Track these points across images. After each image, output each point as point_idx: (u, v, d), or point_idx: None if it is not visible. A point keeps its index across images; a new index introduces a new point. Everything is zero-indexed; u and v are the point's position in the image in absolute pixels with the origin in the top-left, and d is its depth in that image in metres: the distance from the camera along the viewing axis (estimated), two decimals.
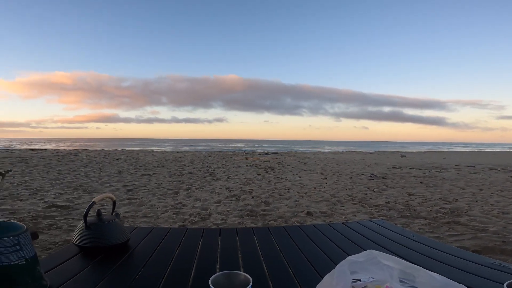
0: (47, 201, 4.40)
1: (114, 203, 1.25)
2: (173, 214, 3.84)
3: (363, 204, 4.51)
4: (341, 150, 31.35)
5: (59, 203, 4.23)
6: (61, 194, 4.96)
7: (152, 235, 1.31)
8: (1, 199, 4.41)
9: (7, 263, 0.79)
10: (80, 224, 1.10)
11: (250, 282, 0.62)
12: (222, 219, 3.62)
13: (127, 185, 5.93)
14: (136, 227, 1.40)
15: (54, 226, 3.21)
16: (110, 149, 22.03)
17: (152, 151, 20.12)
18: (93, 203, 1.07)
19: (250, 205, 4.36)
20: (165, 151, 20.82)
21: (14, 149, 19.80)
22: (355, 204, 4.55)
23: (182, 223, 3.45)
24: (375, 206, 4.39)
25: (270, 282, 0.85)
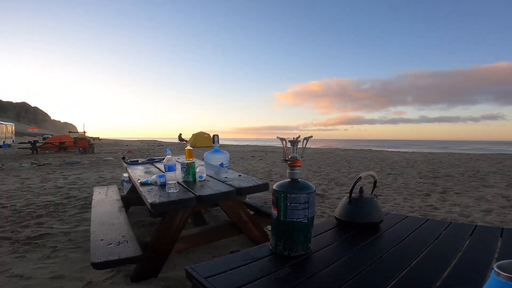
0: None
1: (375, 183, 1.33)
2: (420, 215, 3.45)
3: None
4: None
5: (318, 192, 5.10)
6: (320, 184, 5.93)
7: (405, 222, 1.27)
8: None
9: (295, 219, 0.97)
10: (344, 199, 1.28)
11: None
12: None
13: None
14: (388, 213, 1.42)
15: None
16: (357, 148, 23.37)
17: (399, 152, 19.08)
18: (359, 178, 1.21)
19: None
20: (413, 152, 19.04)
21: (280, 147, 26.19)
22: None
23: None
24: None
25: None
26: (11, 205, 3.85)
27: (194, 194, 1.73)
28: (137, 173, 2.59)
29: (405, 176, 6.89)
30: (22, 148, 17.85)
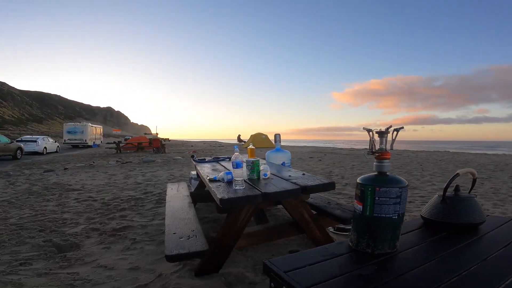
0: None
1: (474, 181, 1.18)
2: None
3: None
4: None
5: None
6: None
7: (511, 225, 1.08)
8: (344, 186, 5.68)
9: (384, 215, 0.90)
10: (435, 197, 1.15)
11: None
12: None
13: (453, 186, 5.35)
14: (488, 215, 1.22)
15: None
16: (430, 150, 21.04)
17: (485, 154, 16.56)
18: (457, 175, 1.08)
19: None
20: (503, 154, 16.33)
21: (351, 148, 24.88)
22: None
23: None
24: None
25: None
26: (100, 199, 4.45)
27: (260, 191, 1.75)
28: (205, 170, 2.74)
29: (494, 181, 5.93)
30: (109, 148, 20.59)
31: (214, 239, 1.93)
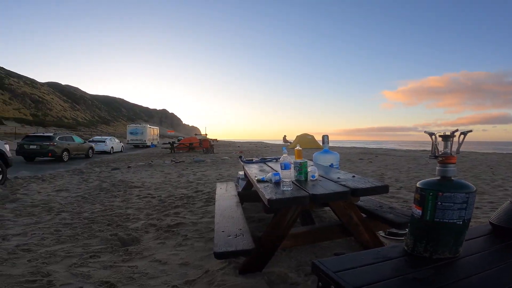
0: None
1: None
2: None
3: None
4: None
5: None
6: None
7: None
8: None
9: (447, 220, 0.87)
10: (507, 203, 1.07)
11: None
12: None
13: None
14: None
15: None
16: (503, 152, 18.53)
17: None
18: None
19: None
20: None
21: (406, 149, 23.11)
22: None
23: None
24: None
25: None
26: (157, 196, 4.82)
27: (308, 192, 1.74)
28: (253, 170, 2.80)
29: None
30: (164, 148, 22.17)
31: (259, 238, 1.96)
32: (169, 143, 19.91)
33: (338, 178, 2.13)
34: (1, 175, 5.93)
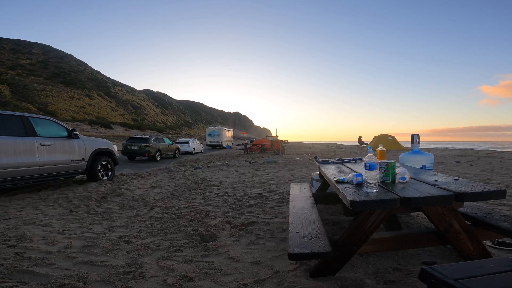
0: None
1: None
2: None
3: None
4: None
5: None
6: None
7: None
8: None
9: None
10: None
11: None
12: None
13: None
14: None
15: None
16: None
17: None
18: None
19: None
20: None
21: (501, 151, 18.95)
22: None
23: None
24: None
25: None
26: (233, 194, 5.01)
27: (398, 195, 1.52)
28: (330, 171, 2.63)
29: None
30: (238, 149, 23.27)
31: (336, 241, 1.82)
32: (243, 144, 20.78)
33: (436, 180, 1.82)
34: (110, 172, 7.02)
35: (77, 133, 6.21)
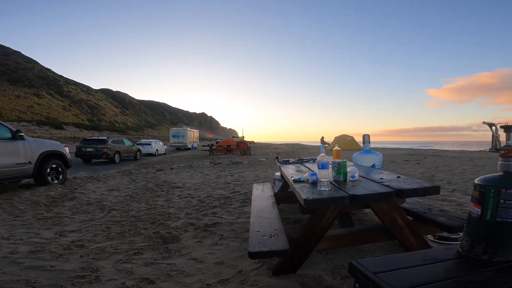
0: None
1: None
2: None
3: None
4: None
5: None
6: None
7: None
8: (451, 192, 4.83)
9: (511, 220, 0.78)
10: None
11: None
12: None
13: None
14: None
15: None
16: None
17: None
18: None
19: None
20: None
21: (460, 150, 21.08)
22: None
23: None
24: None
25: None
26: (197, 196, 4.96)
27: (347, 193, 1.64)
28: (290, 171, 2.74)
29: None
30: (203, 150, 22.94)
31: (294, 239, 1.91)
32: (208, 145, 20.55)
33: (381, 178, 1.99)
34: (61, 175, 6.57)
35: (22, 134, 5.72)
